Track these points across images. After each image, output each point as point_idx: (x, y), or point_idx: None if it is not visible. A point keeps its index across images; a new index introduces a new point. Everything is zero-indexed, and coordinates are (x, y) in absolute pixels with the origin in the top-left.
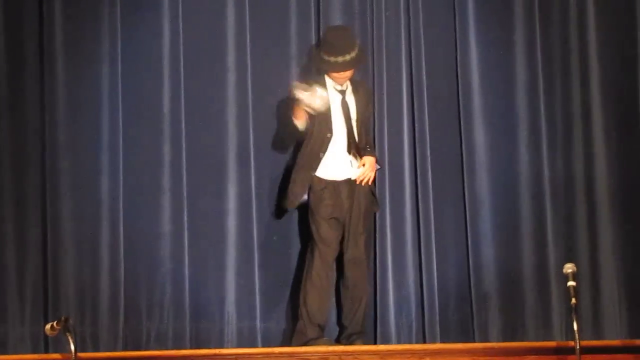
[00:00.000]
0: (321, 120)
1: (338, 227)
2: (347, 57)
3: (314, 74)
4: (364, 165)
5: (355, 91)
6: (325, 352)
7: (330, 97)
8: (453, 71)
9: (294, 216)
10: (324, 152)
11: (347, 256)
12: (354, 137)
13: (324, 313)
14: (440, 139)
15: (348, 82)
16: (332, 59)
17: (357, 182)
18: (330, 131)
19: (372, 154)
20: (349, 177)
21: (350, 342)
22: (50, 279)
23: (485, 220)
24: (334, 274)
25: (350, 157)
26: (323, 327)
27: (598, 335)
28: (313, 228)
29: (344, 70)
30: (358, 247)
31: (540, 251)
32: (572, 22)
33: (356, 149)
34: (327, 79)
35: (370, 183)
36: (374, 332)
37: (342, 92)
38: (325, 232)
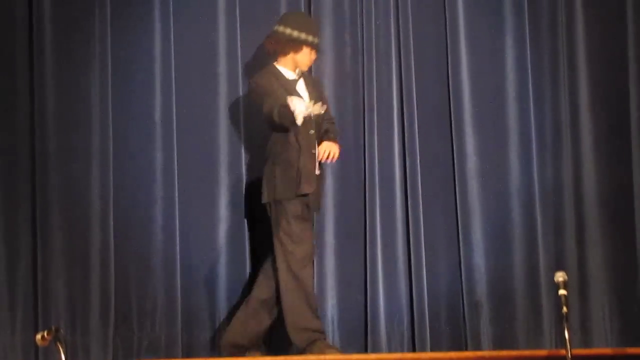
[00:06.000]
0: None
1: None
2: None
3: (268, 61)
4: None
5: (305, 81)
6: None
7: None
8: (444, 79)
9: None
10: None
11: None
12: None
13: None
14: (431, 148)
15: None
16: (316, 40)
17: (323, 159)
18: (313, 127)
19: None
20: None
21: None
22: (40, 288)
23: (476, 228)
24: None
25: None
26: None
27: (588, 344)
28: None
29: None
30: None
31: (531, 259)
32: (561, 30)
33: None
34: (279, 67)
35: (335, 158)
36: (364, 341)
37: (298, 80)
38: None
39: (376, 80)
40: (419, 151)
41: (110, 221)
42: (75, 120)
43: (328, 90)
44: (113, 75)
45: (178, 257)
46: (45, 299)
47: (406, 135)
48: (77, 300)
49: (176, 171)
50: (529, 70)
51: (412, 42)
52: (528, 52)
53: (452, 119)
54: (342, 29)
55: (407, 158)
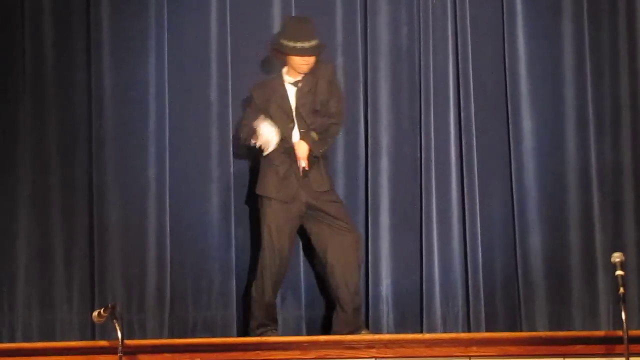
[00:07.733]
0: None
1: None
2: (313, 43)
3: (271, 69)
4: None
5: (309, 79)
6: (371, 341)
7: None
8: (500, 59)
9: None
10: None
11: None
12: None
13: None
14: (487, 127)
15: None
16: (298, 44)
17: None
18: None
19: (305, 137)
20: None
21: None
22: (97, 266)
23: (532, 208)
24: None
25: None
26: None
27: None
28: None
29: (307, 55)
30: None
31: (588, 240)
32: (620, 10)
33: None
34: (284, 74)
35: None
36: (420, 321)
37: (296, 84)
38: None
39: (432, 60)
40: (475, 130)
41: (167, 200)
42: (132, 106)
43: (383, 71)
44: (169, 64)
45: (233, 236)
46: (101, 276)
47: (462, 114)
48: (133, 278)
49: (231, 152)
50: (587, 49)
51: (468, 21)
52: (586, 30)
53: (509, 98)
54: (398, 8)
55: (463, 137)
